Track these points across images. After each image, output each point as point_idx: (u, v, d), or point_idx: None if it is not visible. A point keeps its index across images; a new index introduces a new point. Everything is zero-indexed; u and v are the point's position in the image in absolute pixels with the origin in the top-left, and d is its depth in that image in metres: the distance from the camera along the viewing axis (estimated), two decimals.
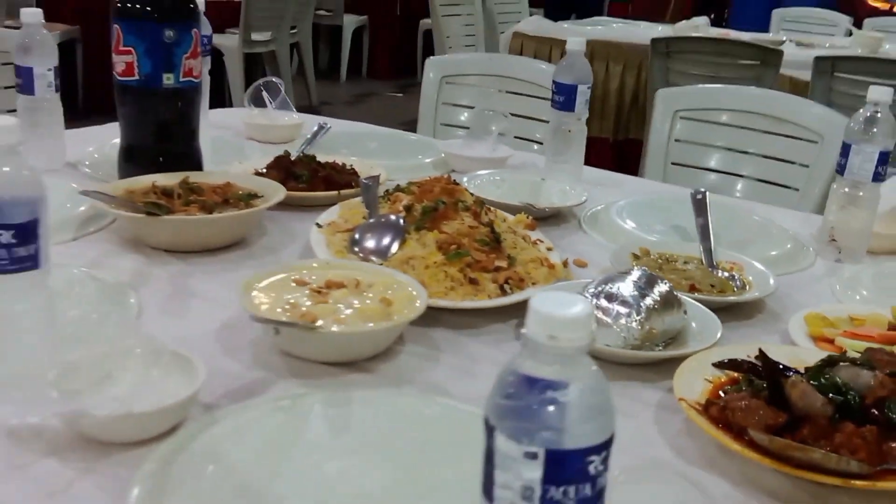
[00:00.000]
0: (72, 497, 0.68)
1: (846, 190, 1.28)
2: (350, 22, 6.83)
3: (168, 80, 1.27)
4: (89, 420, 0.72)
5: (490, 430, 0.46)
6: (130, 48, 1.26)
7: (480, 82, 2.27)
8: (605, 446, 0.46)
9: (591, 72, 1.51)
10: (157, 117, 1.31)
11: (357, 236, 1.12)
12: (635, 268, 1.01)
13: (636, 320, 0.92)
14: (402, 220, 1.12)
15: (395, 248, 1.08)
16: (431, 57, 2.35)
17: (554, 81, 1.52)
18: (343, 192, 1.35)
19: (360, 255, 1.08)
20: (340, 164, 1.47)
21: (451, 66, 2.33)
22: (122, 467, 0.71)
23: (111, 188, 1.21)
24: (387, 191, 1.26)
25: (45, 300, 0.76)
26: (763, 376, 0.83)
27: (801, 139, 1.92)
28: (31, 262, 0.73)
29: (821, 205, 1.85)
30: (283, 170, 1.42)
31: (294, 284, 0.96)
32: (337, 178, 1.40)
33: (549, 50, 3.90)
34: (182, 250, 1.15)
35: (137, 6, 1.25)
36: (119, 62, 1.27)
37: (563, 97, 1.51)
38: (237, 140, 1.74)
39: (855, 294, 1.17)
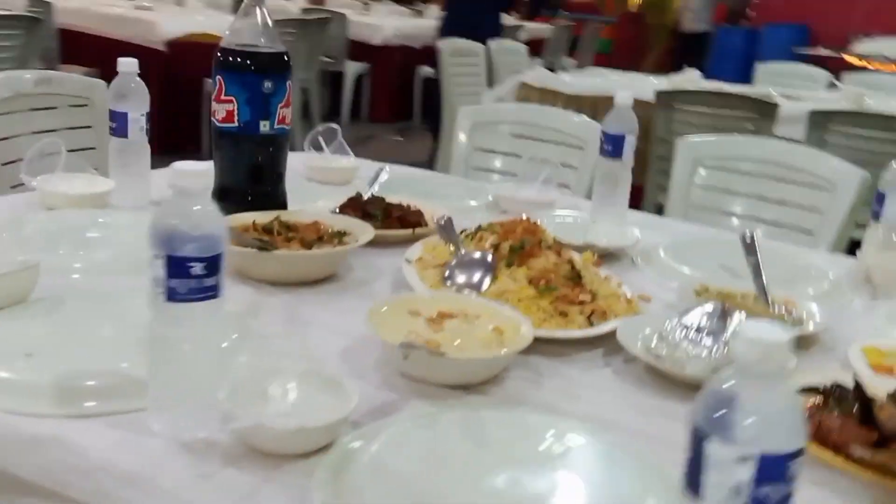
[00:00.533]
0: (258, 503, 0.74)
1: (882, 234, 1.36)
2: (352, 69, 6.94)
3: (264, 126, 1.34)
4: (265, 433, 0.78)
5: (699, 438, 0.53)
6: (232, 97, 1.32)
7: (510, 130, 2.36)
8: (800, 452, 0.52)
9: (637, 123, 1.59)
10: (252, 161, 1.38)
11: (450, 271, 1.18)
12: (709, 301, 1.08)
13: (723, 351, 0.99)
14: (490, 257, 1.18)
15: (487, 282, 1.14)
16: (465, 106, 2.43)
17: (603, 132, 1.60)
18: (417, 230, 1.42)
19: (455, 288, 1.15)
20: (406, 204, 1.54)
21: (482, 114, 2.41)
22: (295, 476, 0.76)
23: None
24: (463, 231, 1.33)
25: (220, 325, 0.81)
26: (844, 400, 0.90)
27: (815, 187, 2.01)
28: (214, 292, 0.78)
29: (834, 248, 1.94)
30: (358, 209, 1.48)
31: (409, 315, 1.02)
32: (409, 218, 1.46)
33: (553, 100, 4.01)
34: (284, 283, 1.21)
35: (240, 59, 1.32)
36: (220, 110, 1.34)
37: (612, 146, 1.59)
38: (298, 181, 1.80)
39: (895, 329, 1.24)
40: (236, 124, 1.33)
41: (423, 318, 1.01)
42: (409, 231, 1.41)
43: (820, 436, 0.85)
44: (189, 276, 0.77)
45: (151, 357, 0.81)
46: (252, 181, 1.39)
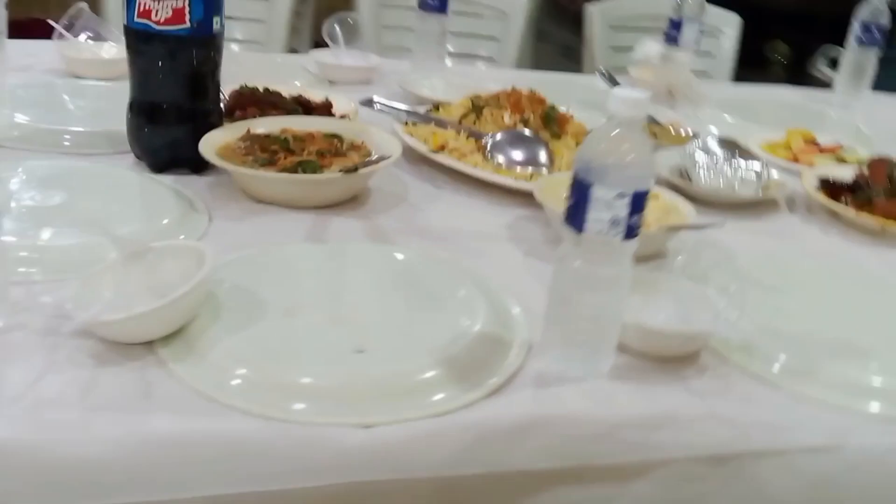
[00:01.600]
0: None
1: (678, 56, 1.69)
2: None
3: (216, 24, 1.09)
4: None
5: None
6: None
7: None
8: None
9: None
10: (200, 69, 1.11)
11: (493, 154, 1.17)
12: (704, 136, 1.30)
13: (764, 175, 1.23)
14: (527, 132, 1.21)
15: (544, 156, 1.18)
16: None
17: None
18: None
19: (511, 167, 1.16)
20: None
21: None
22: None
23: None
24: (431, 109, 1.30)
25: None
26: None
27: (493, 18, 2.26)
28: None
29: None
30: (259, 106, 1.28)
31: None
32: (325, 108, 1.33)
33: None
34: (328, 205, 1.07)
35: None
36: (161, 8, 1.04)
37: (437, 1, 1.61)
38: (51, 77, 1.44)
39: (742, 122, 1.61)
40: (188, 25, 1.06)
41: None
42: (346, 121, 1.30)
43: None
44: (642, 210, 0.73)
45: (572, 301, 0.76)
46: (195, 95, 1.12)
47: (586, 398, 0.74)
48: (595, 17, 2.27)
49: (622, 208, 0.72)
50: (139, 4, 1.04)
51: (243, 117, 1.23)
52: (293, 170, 1.05)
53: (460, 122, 1.25)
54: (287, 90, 1.36)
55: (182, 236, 0.95)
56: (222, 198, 1.06)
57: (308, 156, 1.08)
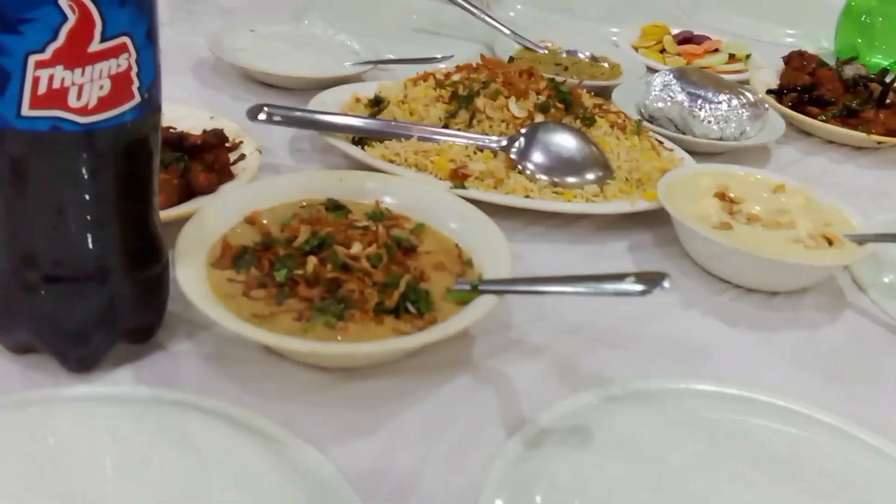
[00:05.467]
0: None
1: None
2: None
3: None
4: None
5: None
6: (126, 37, 0.48)
7: None
8: None
9: None
10: (145, 170, 0.55)
11: (521, 164, 0.81)
12: (667, 69, 1.06)
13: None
14: (556, 125, 0.85)
15: (598, 154, 0.84)
16: None
17: None
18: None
19: (563, 182, 0.81)
20: None
21: None
22: None
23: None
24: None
25: None
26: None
27: None
28: None
29: None
30: None
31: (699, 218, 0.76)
32: (220, 147, 0.79)
33: None
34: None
35: None
36: (88, 84, 0.47)
37: None
38: None
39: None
40: (137, 100, 0.50)
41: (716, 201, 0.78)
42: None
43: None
44: None
45: None
46: (141, 217, 0.56)
47: None
48: None
49: None
50: (34, 83, 0.46)
51: None
52: (396, 311, 0.59)
53: (447, 126, 0.84)
54: None
55: None
56: (272, 390, 0.58)
57: (376, 269, 0.61)
